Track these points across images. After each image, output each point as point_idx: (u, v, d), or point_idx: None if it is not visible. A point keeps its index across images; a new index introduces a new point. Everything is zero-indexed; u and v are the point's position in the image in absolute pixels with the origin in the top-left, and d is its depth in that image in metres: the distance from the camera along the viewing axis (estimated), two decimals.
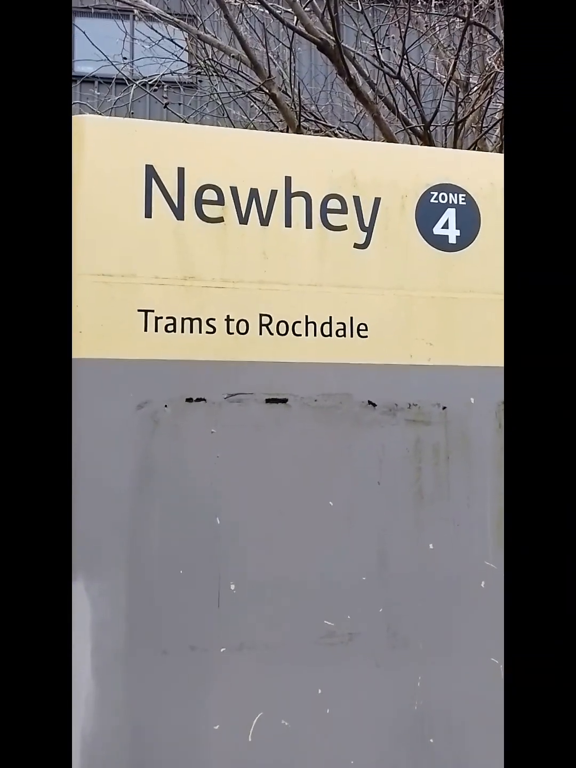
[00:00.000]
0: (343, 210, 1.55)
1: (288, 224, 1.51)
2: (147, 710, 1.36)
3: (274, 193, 1.52)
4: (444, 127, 4.69)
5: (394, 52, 4.71)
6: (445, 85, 4.62)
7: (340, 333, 1.51)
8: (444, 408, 1.56)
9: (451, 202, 1.63)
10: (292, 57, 4.49)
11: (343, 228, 1.55)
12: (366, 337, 1.53)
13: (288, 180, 1.53)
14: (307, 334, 1.49)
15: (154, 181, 1.46)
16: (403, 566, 1.49)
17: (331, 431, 1.49)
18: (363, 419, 1.51)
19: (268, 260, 1.50)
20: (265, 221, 1.51)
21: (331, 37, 4.00)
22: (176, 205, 1.47)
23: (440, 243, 1.61)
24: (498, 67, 4.27)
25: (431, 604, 1.50)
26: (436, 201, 1.62)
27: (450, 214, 1.63)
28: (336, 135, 4.78)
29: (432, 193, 1.62)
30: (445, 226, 1.62)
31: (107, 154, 1.45)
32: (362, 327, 1.53)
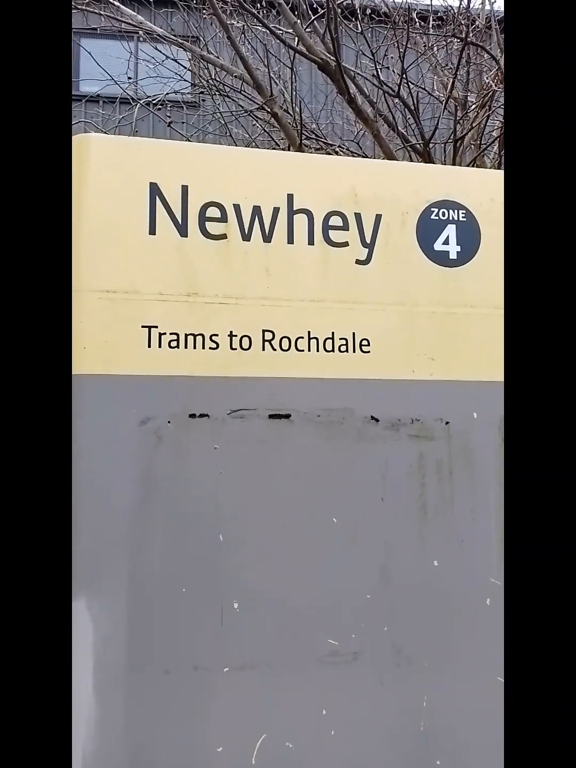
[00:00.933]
0: (345, 226, 1.57)
1: (290, 241, 1.53)
2: (148, 730, 1.34)
3: (276, 210, 1.53)
4: (443, 145, 4.75)
5: (393, 71, 4.78)
6: (443, 103, 4.68)
7: (343, 348, 1.52)
8: (447, 423, 1.56)
9: (451, 218, 1.65)
10: (294, 76, 4.56)
11: (345, 244, 1.56)
12: (368, 352, 1.53)
13: (290, 197, 1.55)
14: (309, 350, 1.50)
15: (158, 199, 1.48)
16: (408, 583, 1.48)
17: (334, 447, 1.49)
18: (366, 434, 1.51)
19: (271, 276, 1.51)
20: (267, 238, 1.52)
21: (332, 57, 4.07)
22: (180, 222, 1.48)
23: (441, 259, 1.62)
24: (495, 85, 4.34)
25: (436, 622, 1.48)
26: (437, 217, 1.64)
27: (450, 230, 1.64)
28: (336, 153, 4.83)
29: (432, 209, 1.63)
30: (446, 242, 1.63)
31: (112, 172, 1.47)
32: (364, 342, 1.53)
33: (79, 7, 5.16)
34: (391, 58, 5.05)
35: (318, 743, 1.40)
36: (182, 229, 1.48)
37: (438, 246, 1.63)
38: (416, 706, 1.45)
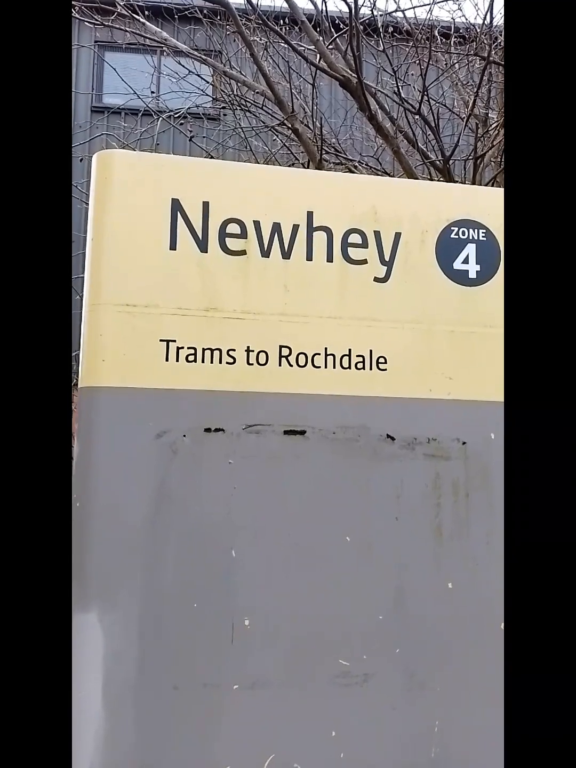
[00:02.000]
0: (364, 244, 1.57)
1: (309, 258, 1.53)
2: (156, 747, 1.33)
3: (296, 227, 1.54)
4: (463, 162, 4.75)
5: (414, 88, 4.81)
6: (464, 120, 4.69)
7: (360, 366, 1.52)
8: (463, 443, 1.55)
9: (471, 237, 1.64)
10: (314, 92, 4.61)
11: (364, 262, 1.56)
12: (385, 370, 1.53)
13: (310, 215, 1.55)
14: (326, 366, 1.50)
15: (179, 215, 1.49)
16: (421, 605, 1.46)
17: (348, 464, 1.48)
18: (381, 453, 1.50)
19: (289, 293, 1.51)
20: (287, 255, 1.53)
21: (353, 74, 4.10)
22: (200, 237, 1.50)
23: (460, 278, 1.62)
24: None
25: (449, 646, 1.46)
26: (457, 236, 1.63)
27: (470, 249, 1.64)
28: (356, 168, 4.86)
29: (452, 228, 1.63)
30: (466, 260, 1.63)
31: (134, 188, 1.49)
32: (381, 360, 1.53)
33: (105, 24, 5.28)
34: (412, 75, 5.08)
35: (327, 765, 1.38)
36: (202, 245, 1.50)
37: (457, 265, 1.62)
38: (427, 731, 1.43)
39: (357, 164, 4.92)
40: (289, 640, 1.39)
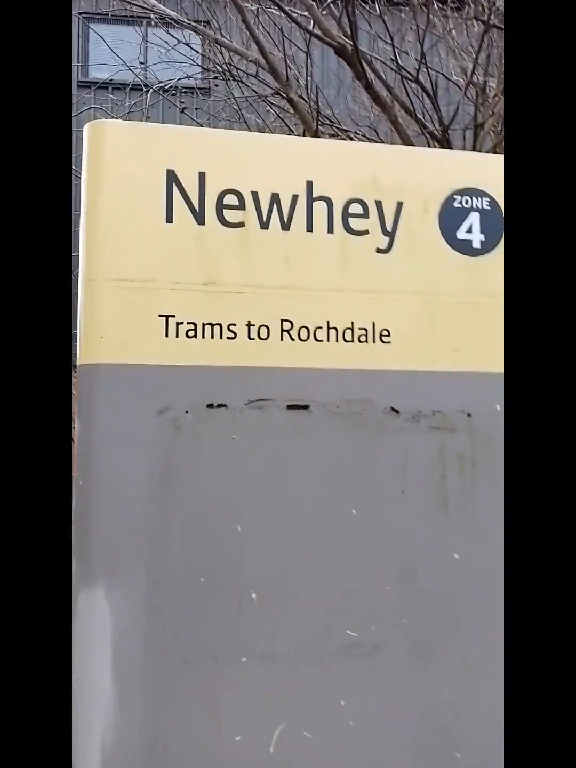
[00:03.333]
0: (365, 214, 1.53)
1: (309, 229, 1.50)
2: (167, 720, 1.35)
3: (295, 197, 1.50)
4: (462, 131, 4.66)
5: (412, 55, 4.69)
6: (463, 88, 4.59)
7: (363, 339, 1.49)
8: (469, 415, 1.54)
9: (475, 206, 1.60)
10: (309, 60, 4.49)
11: (366, 232, 1.53)
12: (389, 342, 1.51)
13: (309, 184, 1.52)
14: (329, 340, 1.47)
15: (175, 186, 1.45)
16: (428, 576, 1.46)
17: (353, 438, 1.47)
18: (386, 426, 1.49)
19: (290, 265, 1.48)
20: (286, 226, 1.49)
21: (349, 41, 3.99)
22: (197, 209, 1.46)
23: (464, 248, 1.59)
24: None
25: (457, 616, 1.47)
26: (460, 205, 1.60)
27: (474, 219, 1.60)
28: (352, 139, 4.76)
29: (455, 197, 1.59)
30: (469, 230, 1.59)
31: (128, 159, 1.45)
32: (385, 332, 1.51)
33: None
34: (409, 41, 4.95)
35: (336, 734, 1.40)
36: (199, 217, 1.46)
37: (461, 234, 1.59)
38: (436, 699, 1.44)
39: (353, 135, 4.82)
40: (296, 613, 1.40)
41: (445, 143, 4.24)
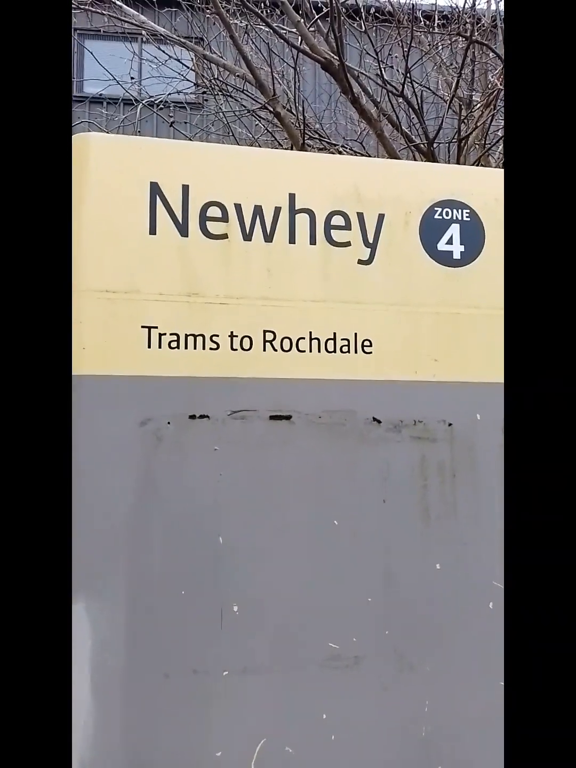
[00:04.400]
0: (347, 226, 1.55)
1: (292, 241, 1.51)
2: (147, 734, 1.33)
3: (278, 209, 1.52)
4: (447, 144, 4.72)
5: (397, 70, 4.76)
6: (448, 102, 4.66)
7: (345, 349, 1.50)
8: (450, 424, 1.54)
9: (455, 217, 1.63)
10: (297, 76, 4.55)
11: (347, 244, 1.54)
12: (370, 353, 1.52)
13: (292, 197, 1.53)
14: (311, 350, 1.48)
15: (158, 198, 1.46)
16: (410, 587, 1.46)
17: (335, 448, 1.47)
18: (368, 436, 1.49)
19: (272, 276, 1.49)
20: (269, 238, 1.50)
21: (335, 57, 4.05)
22: (180, 221, 1.47)
23: (445, 259, 1.61)
24: (500, 84, 4.31)
25: (438, 626, 1.46)
26: (441, 217, 1.62)
27: (454, 230, 1.62)
28: (340, 152, 4.82)
29: (436, 209, 1.62)
30: (450, 241, 1.62)
31: (112, 172, 1.46)
32: (366, 343, 1.52)
33: (83, 7, 5.17)
34: (396, 57, 5.03)
35: (318, 748, 1.38)
36: (183, 229, 1.47)
37: (442, 246, 1.61)
38: (418, 712, 1.44)
39: (341, 148, 4.88)
40: (278, 625, 1.39)
41: (430, 157, 4.30)
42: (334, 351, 1.50)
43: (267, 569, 1.41)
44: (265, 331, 1.47)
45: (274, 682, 1.38)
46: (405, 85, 4.30)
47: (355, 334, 1.51)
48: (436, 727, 1.43)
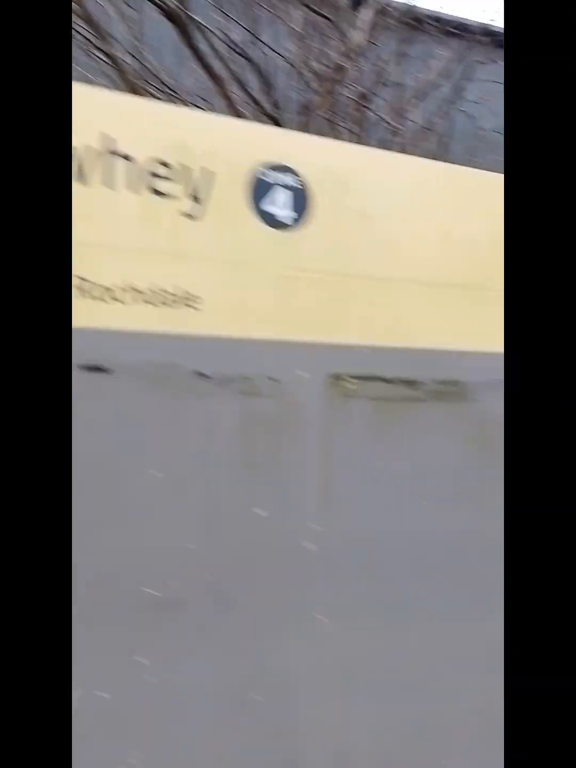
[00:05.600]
0: (172, 177, 1.51)
1: (110, 185, 1.44)
2: None
3: (94, 151, 1.43)
4: (295, 114, 4.78)
5: (247, 30, 4.68)
6: (296, 70, 4.70)
7: (168, 302, 1.48)
8: (275, 381, 1.61)
9: (283, 181, 1.66)
10: (139, 21, 4.26)
11: (172, 195, 1.51)
12: (195, 307, 1.51)
13: (112, 140, 1.45)
14: (131, 302, 1.44)
15: None
16: (232, 533, 1.52)
17: (157, 402, 1.46)
18: (193, 390, 1.50)
19: (88, 221, 1.41)
20: (84, 180, 1.41)
21: (182, 7, 3.87)
22: None
23: (272, 220, 1.64)
24: (340, 57, 4.43)
25: (260, 570, 1.54)
26: (270, 179, 1.64)
27: (283, 193, 1.66)
28: (186, 106, 4.64)
29: (266, 170, 1.64)
30: (277, 204, 1.65)
31: None
32: (192, 297, 1.51)
33: None
34: (246, 19, 4.94)
35: (139, 690, 1.40)
36: None
37: (269, 208, 1.64)
38: (242, 652, 1.51)
39: (187, 102, 4.70)
40: (95, 573, 1.37)
41: (278, 124, 4.33)
42: (157, 304, 1.47)
43: (85, 518, 1.35)
44: (79, 279, 1.39)
45: (90, 629, 1.35)
46: (249, 47, 4.24)
47: (180, 287, 1.49)
48: (260, 665, 1.52)
